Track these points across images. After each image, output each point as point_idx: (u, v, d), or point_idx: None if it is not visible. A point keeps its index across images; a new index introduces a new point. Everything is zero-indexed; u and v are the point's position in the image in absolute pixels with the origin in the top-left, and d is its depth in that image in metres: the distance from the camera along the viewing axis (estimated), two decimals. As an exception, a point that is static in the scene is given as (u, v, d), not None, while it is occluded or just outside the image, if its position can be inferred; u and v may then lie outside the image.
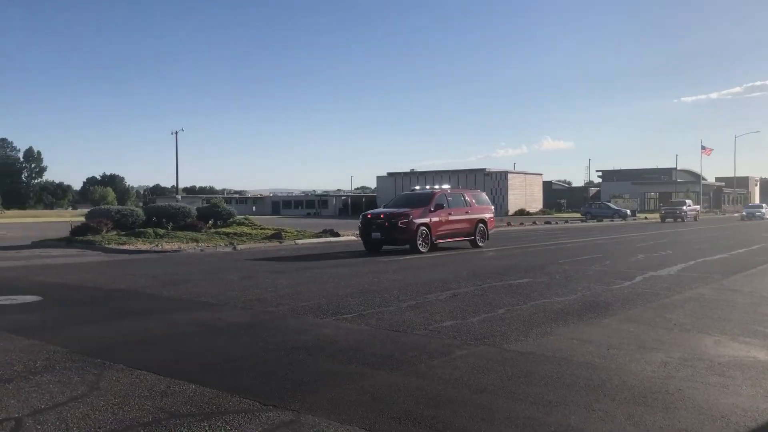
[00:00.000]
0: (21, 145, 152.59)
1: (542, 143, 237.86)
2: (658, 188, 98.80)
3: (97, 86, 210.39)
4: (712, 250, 20.29)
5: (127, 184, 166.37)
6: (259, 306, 9.40)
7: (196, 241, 22.80)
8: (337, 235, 27.75)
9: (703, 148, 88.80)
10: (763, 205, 68.68)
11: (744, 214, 62.29)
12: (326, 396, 4.94)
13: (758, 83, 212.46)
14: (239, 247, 22.28)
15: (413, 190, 24.00)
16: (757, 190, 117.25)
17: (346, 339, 7.05)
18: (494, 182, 79.42)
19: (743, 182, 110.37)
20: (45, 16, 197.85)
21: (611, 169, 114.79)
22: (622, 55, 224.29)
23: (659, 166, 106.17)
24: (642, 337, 7.08)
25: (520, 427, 4.28)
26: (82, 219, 27.65)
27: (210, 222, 27.62)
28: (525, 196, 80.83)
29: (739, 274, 13.34)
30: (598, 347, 6.58)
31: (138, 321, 8.38)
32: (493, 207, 23.99)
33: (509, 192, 78.56)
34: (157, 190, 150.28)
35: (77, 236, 23.64)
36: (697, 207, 59.87)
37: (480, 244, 21.72)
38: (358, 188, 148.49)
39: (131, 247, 21.06)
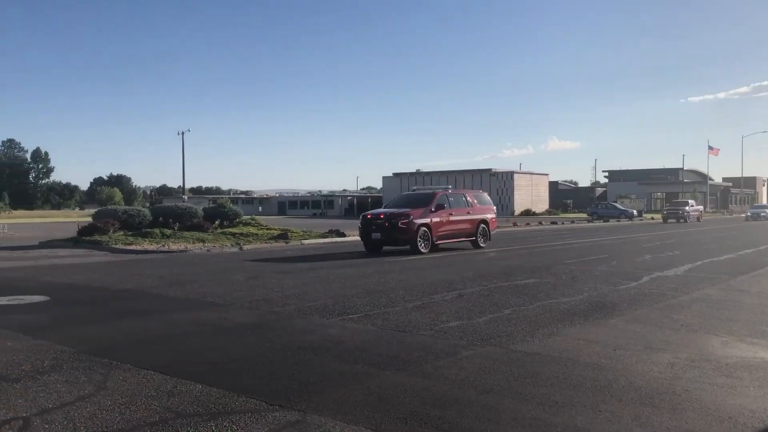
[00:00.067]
0: (28, 145, 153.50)
1: (548, 143, 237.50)
2: (665, 188, 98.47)
3: (104, 87, 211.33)
4: (719, 250, 20.20)
5: (134, 184, 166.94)
6: (265, 306, 9.42)
7: (203, 241, 22.87)
8: (343, 235, 27.76)
9: (710, 148, 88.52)
10: None
11: (749, 214, 61.69)
12: (332, 396, 4.95)
13: (765, 83, 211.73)
14: (245, 247, 22.33)
15: (414, 190, 23.80)
16: (764, 190, 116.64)
17: (352, 339, 7.06)
18: (500, 182, 79.34)
19: (750, 182, 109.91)
20: (50, 16, 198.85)
21: (618, 169, 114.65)
22: (629, 55, 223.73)
23: (666, 167, 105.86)
24: (649, 338, 7.06)
25: (526, 427, 4.28)
26: (89, 219, 27.77)
27: (216, 222, 27.69)
28: (531, 197, 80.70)
29: (746, 275, 13.28)
30: (605, 348, 6.57)
31: (144, 321, 8.41)
32: (495, 207, 23.80)
33: (515, 192, 78.44)
34: (163, 191, 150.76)
35: (84, 236, 23.73)
36: (700, 207, 59.27)
37: (482, 245, 21.54)
38: (363, 188, 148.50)
39: (138, 248, 21.13)
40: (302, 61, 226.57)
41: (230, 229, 26.94)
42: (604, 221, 55.51)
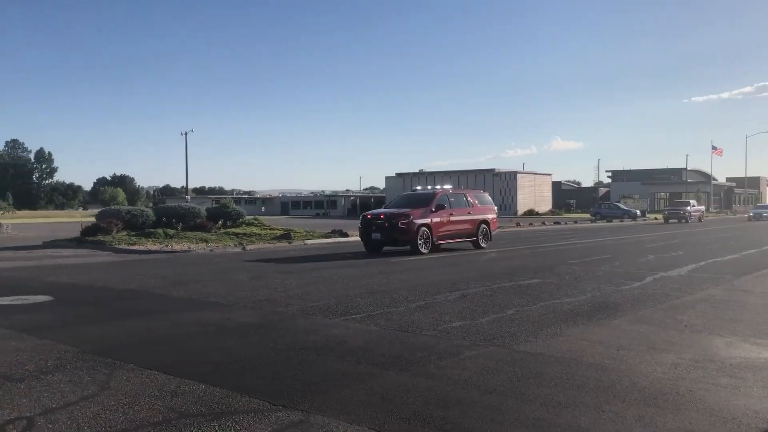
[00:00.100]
0: (32, 146, 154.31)
1: (552, 143, 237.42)
2: (668, 188, 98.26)
3: (107, 87, 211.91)
4: (722, 250, 20.16)
5: (137, 184, 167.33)
6: (268, 306, 9.43)
7: (206, 241, 22.89)
8: (346, 235, 27.75)
9: (714, 148, 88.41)
10: None
11: (751, 214, 61.17)
12: (335, 396, 4.95)
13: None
14: (248, 247, 22.35)
15: (414, 190, 23.62)
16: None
17: (356, 339, 7.06)
18: (503, 182, 79.30)
19: (754, 182, 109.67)
20: (54, 17, 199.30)
21: (621, 169, 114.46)
22: (632, 55, 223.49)
23: (669, 167, 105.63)
24: (652, 338, 7.05)
25: (529, 428, 4.27)
26: (93, 219, 27.83)
27: (219, 222, 27.73)
28: (534, 197, 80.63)
29: (750, 275, 13.25)
30: (608, 348, 6.56)
31: (147, 321, 8.42)
32: (496, 207, 23.69)
33: (518, 192, 78.39)
34: (167, 191, 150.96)
35: (88, 237, 23.78)
36: (702, 208, 58.78)
37: (483, 245, 21.40)
38: (367, 189, 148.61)
39: (141, 248, 21.17)
40: (303, 60, 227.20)
41: (233, 230, 26.97)
42: (608, 221, 55.40)
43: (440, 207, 20.05)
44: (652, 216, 66.98)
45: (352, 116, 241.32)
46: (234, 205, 31.04)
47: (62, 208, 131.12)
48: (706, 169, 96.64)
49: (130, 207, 31.53)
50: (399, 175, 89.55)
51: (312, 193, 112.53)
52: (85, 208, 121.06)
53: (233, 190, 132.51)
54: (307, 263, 16.66)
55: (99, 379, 5.44)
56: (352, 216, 74.94)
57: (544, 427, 4.27)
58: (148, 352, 6.55)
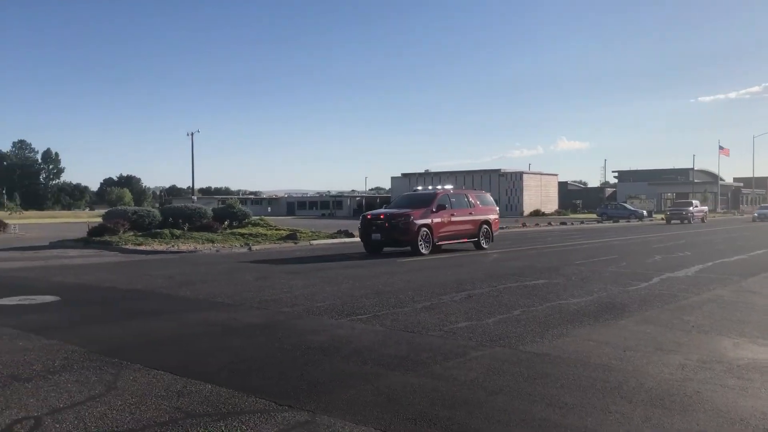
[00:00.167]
0: (39, 146, 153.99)
1: (558, 144, 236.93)
2: (675, 189, 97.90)
3: (114, 88, 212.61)
4: (730, 251, 20.07)
5: (143, 185, 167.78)
6: (274, 306, 9.44)
7: (212, 241, 22.94)
8: (352, 236, 27.75)
9: (721, 148, 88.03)
10: None
11: (756, 215, 60.54)
12: (341, 396, 4.95)
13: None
14: (255, 247, 22.38)
15: (415, 190, 23.41)
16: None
17: (361, 340, 7.06)
18: (509, 183, 79.19)
19: (762, 182, 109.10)
20: (61, 18, 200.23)
21: (627, 169, 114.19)
22: (639, 55, 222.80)
23: (676, 167, 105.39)
24: (659, 339, 7.02)
25: (535, 428, 4.26)
26: (99, 220, 27.92)
27: (225, 223, 27.77)
28: (540, 197, 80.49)
29: (758, 276, 13.18)
30: (615, 349, 6.53)
31: (154, 321, 8.44)
32: (498, 208, 23.50)
33: (524, 193, 78.26)
34: (173, 191, 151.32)
35: (94, 237, 23.87)
36: (705, 208, 58.02)
37: (484, 246, 21.24)
38: (372, 189, 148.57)
39: (148, 248, 21.23)
40: (309, 61, 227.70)
41: (239, 230, 27.02)
42: (614, 222, 55.25)
43: (441, 207, 19.90)
44: (659, 216, 66.71)
45: (353, 116, 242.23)
46: (240, 206, 31.09)
47: (69, 209, 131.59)
48: (713, 170, 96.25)
49: (136, 207, 31.64)
50: (404, 175, 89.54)
51: (318, 193, 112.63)
52: (91, 209, 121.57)
53: (239, 191, 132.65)
54: (313, 264, 16.68)
55: (106, 379, 5.46)
56: (358, 216, 74.85)
57: (550, 428, 4.26)
58: (154, 352, 6.57)
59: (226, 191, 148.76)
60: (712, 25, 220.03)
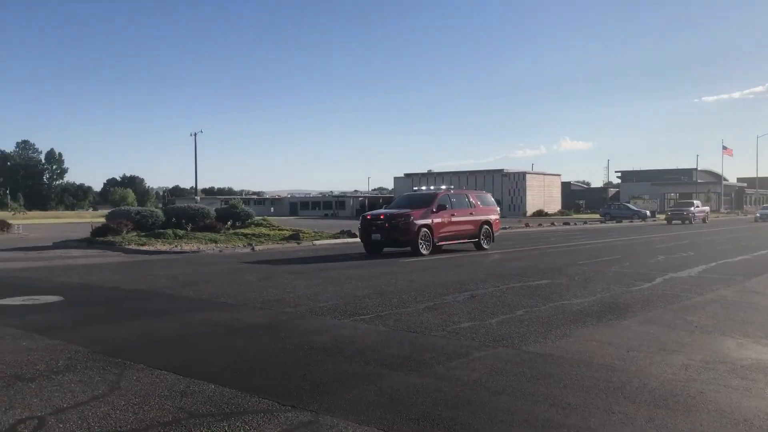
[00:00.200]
0: (43, 147, 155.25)
1: (561, 144, 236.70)
2: (679, 189, 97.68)
3: (117, 88, 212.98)
4: (733, 251, 20.03)
5: (146, 185, 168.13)
6: (277, 307, 9.45)
7: (215, 242, 22.97)
8: (354, 236, 27.69)
9: (724, 148, 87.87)
10: None
11: (758, 215, 60.26)
12: (344, 397, 4.95)
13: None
14: (257, 248, 22.40)
15: (416, 190, 23.33)
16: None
17: (364, 340, 7.06)
18: (512, 183, 79.13)
19: (766, 183, 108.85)
20: (64, 18, 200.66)
21: (630, 169, 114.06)
22: (642, 54, 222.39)
23: (679, 167, 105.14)
24: (662, 339, 7.01)
25: (539, 429, 4.26)
26: (103, 220, 27.97)
27: (228, 223, 27.80)
28: (543, 197, 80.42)
29: (761, 276, 13.15)
30: (618, 349, 6.53)
31: (157, 321, 8.46)
32: (498, 208, 23.41)
33: (527, 193, 78.21)
34: (176, 192, 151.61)
35: (98, 237, 23.92)
36: (706, 208, 57.58)
37: (485, 246, 21.16)
38: (375, 189, 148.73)
39: (151, 248, 21.26)
40: (309, 61, 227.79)
41: (242, 230, 27.05)
42: (617, 222, 55.17)
43: (441, 207, 19.83)
44: (662, 216, 66.59)
45: (353, 116, 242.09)
46: (243, 206, 31.10)
47: (72, 209, 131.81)
48: (717, 170, 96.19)
49: (139, 208, 31.65)
50: (407, 175, 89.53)
51: (320, 193, 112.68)
52: (95, 209, 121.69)
53: (242, 191, 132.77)
54: (316, 264, 16.68)
55: (109, 379, 5.47)
56: (361, 216, 74.91)
57: (553, 429, 4.26)
58: (157, 352, 6.58)
59: (229, 191, 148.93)
60: (712, 25, 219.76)
